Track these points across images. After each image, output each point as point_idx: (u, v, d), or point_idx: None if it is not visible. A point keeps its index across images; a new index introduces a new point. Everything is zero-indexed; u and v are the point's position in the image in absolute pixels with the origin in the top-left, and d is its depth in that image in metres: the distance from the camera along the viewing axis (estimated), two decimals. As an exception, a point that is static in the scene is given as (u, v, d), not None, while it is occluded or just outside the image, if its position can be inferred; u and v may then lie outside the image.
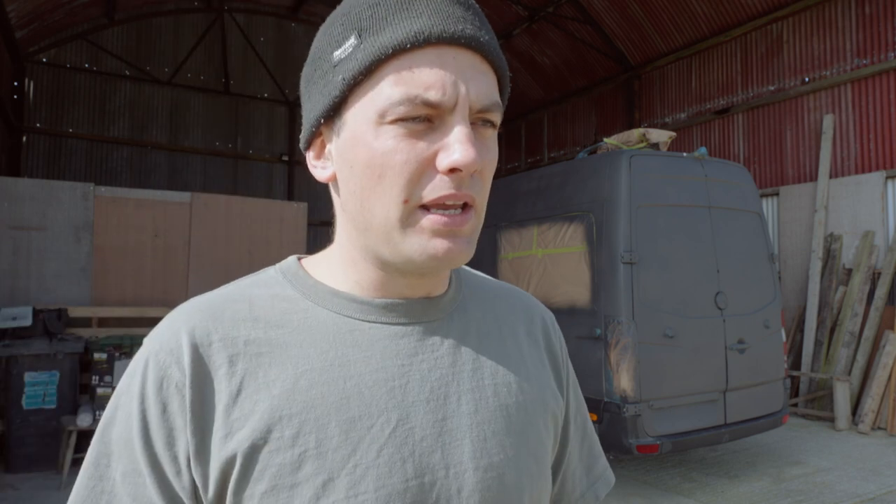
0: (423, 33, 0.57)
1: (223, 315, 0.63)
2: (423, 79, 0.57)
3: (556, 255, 5.23)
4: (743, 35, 9.89)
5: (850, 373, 7.26)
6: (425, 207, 0.59)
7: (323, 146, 0.66)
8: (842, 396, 6.84)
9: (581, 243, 4.99)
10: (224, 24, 13.66)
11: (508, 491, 0.65)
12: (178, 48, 13.87)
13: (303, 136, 0.66)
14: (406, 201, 0.59)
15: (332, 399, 0.60)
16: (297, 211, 8.12)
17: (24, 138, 12.12)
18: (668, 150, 6.00)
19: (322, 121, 0.63)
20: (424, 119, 0.58)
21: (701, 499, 4.78)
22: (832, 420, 7.04)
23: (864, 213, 7.91)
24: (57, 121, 12.62)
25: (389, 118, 0.58)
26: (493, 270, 5.92)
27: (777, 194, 9.01)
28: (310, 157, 0.66)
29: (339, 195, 0.66)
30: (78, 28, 12.50)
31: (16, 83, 11.59)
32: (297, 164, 14.92)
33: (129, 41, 13.38)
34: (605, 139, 5.79)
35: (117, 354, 5.57)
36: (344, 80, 0.58)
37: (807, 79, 8.91)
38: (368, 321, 0.65)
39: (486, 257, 5.99)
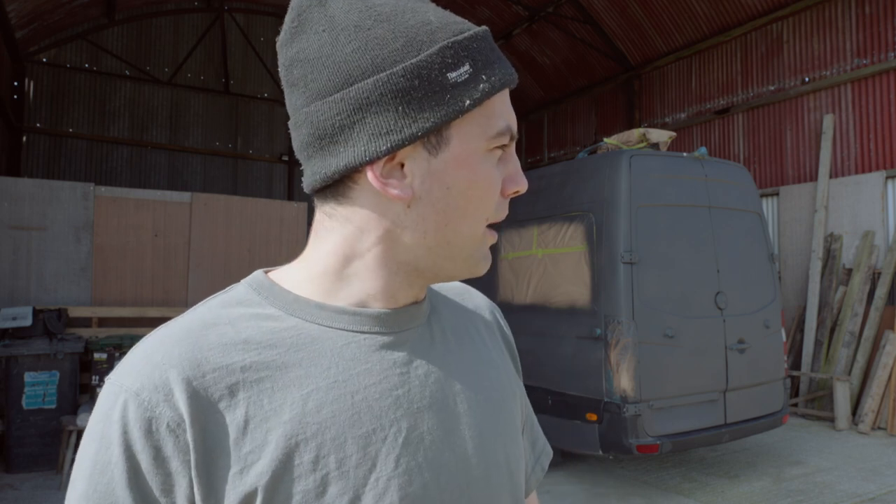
0: (513, 76, 0.67)
1: (207, 341, 0.60)
2: (510, 114, 0.67)
3: (556, 255, 5.23)
4: (743, 35, 9.89)
5: (850, 373, 7.26)
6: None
7: (393, 161, 0.62)
8: (842, 396, 6.84)
9: (581, 243, 4.99)
10: (224, 24, 13.66)
11: (504, 477, 0.70)
12: (178, 48, 13.88)
13: (379, 149, 0.61)
14: (487, 219, 0.67)
15: (343, 417, 0.61)
16: (297, 211, 8.12)
17: (24, 138, 12.12)
18: (668, 150, 6.00)
19: (419, 139, 0.62)
20: (503, 148, 0.67)
21: (701, 499, 4.78)
22: (832, 420, 7.04)
23: (864, 213, 7.91)
24: (57, 121, 12.62)
25: (492, 145, 0.65)
26: (492, 270, 5.92)
27: (777, 194, 9.01)
28: (377, 171, 0.62)
29: (384, 213, 0.64)
30: (78, 28, 12.50)
31: (16, 83, 11.59)
32: (296, 163, 14.93)
33: (129, 41, 13.38)
34: (605, 139, 5.79)
35: (117, 354, 5.57)
36: (471, 103, 0.62)
37: (807, 79, 8.91)
38: (362, 332, 0.65)
39: (486, 257, 5.99)
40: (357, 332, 0.65)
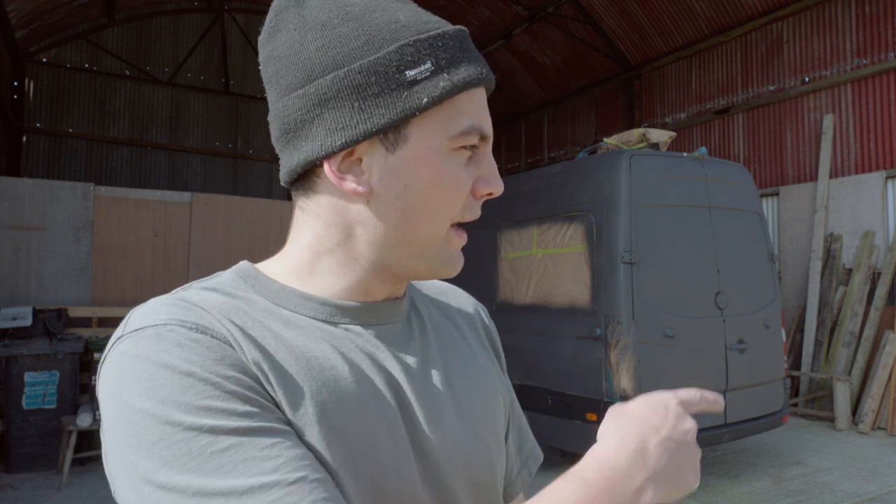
0: (483, 76, 0.65)
1: (207, 305, 0.60)
2: (479, 113, 0.66)
3: (556, 255, 5.23)
4: (743, 35, 9.89)
5: (850, 373, 7.26)
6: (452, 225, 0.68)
7: (350, 157, 0.63)
8: (842, 396, 6.84)
9: (581, 243, 4.99)
10: (224, 24, 13.66)
11: (485, 471, 0.71)
12: (178, 48, 13.87)
13: (334, 144, 0.62)
14: (451, 219, 0.66)
15: (344, 383, 0.61)
16: (297, 211, 8.12)
17: (24, 138, 12.12)
18: (668, 150, 6.01)
19: (374, 135, 0.62)
20: (473, 148, 0.66)
21: (701, 499, 4.78)
22: (832, 420, 7.04)
23: (864, 213, 7.91)
24: (57, 121, 12.62)
25: (456, 145, 0.64)
26: (493, 270, 5.92)
27: (777, 194, 9.01)
28: (333, 166, 0.63)
29: (347, 207, 0.65)
30: (78, 28, 12.50)
31: (16, 83, 11.59)
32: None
33: (129, 41, 13.38)
34: (605, 139, 5.79)
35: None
36: (429, 101, 0.61)
37: (807, 79, 8.91)
38: (343, 323, 0.66)
39: (486, 257, 5.99)
40: (338, 323, 0.66)
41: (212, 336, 0.56)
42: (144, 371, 0.53)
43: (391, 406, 0.64)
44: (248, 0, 14.47)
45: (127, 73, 13.32)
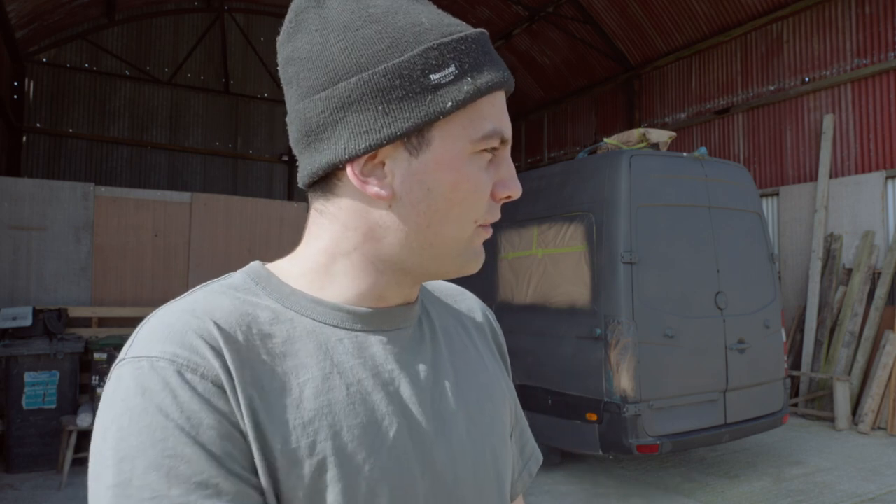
0: (505, 80, 0.65)
1: (213, 316, 0.60)
2: (500, 117, 0.66)
3: (556, 255, 5.23)
4: (743, 35, 9.89)
5: (850, 373, 7.26)
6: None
7: (373, 160, 0.63)
8: (842, 396, 6.84)
9: (581, 243, 4.99)
10: (224, 24, 13.65)
11: (491, 477, 0.72)
12: (178, 48, 13.87)
13: (358, 147, 0.62)
14: (475, 221, 0.66)
15: (339, 406, 0.61)
16: (297, 211, 8.12)
17: (24, 138, 12.12)
18: (668, 150, 6.01)
19: (398, 138, 0.62)
20: (493, 150, 0.66)
21: (701, 499, 4.78)
22: (832, 420, 7.04)
23: (864, 213, 7.91)
24: (57, 121, 12.62)
25: (478, 148, 0.64)
26: (493, 270, 5.92)
27: (777, 194, 9.01)
28: (356, 169, 0.63)
29: (368, 211, 0.65)
30: (78, 28, 12.50)
31: (16, 83, 11.59)
32: (297, 163, 14.91)
33: (129, 41, 13.38)
34: (605, 139, 5.79)
35: (117, 354, 5.57)
36: (453, 104, 0.61)
37: (807, 79, 8.91)
38: (354, 330, 0.66)
39: (486, 257, 5.99)
40: (350, 329, 0.66)
41: (201, 376, 0.56)
42: (127, 411, 0.54)
43: (395, 420, 0.64)
44: (248, 0, 14.48)
45: (127, 73, 13.32)
